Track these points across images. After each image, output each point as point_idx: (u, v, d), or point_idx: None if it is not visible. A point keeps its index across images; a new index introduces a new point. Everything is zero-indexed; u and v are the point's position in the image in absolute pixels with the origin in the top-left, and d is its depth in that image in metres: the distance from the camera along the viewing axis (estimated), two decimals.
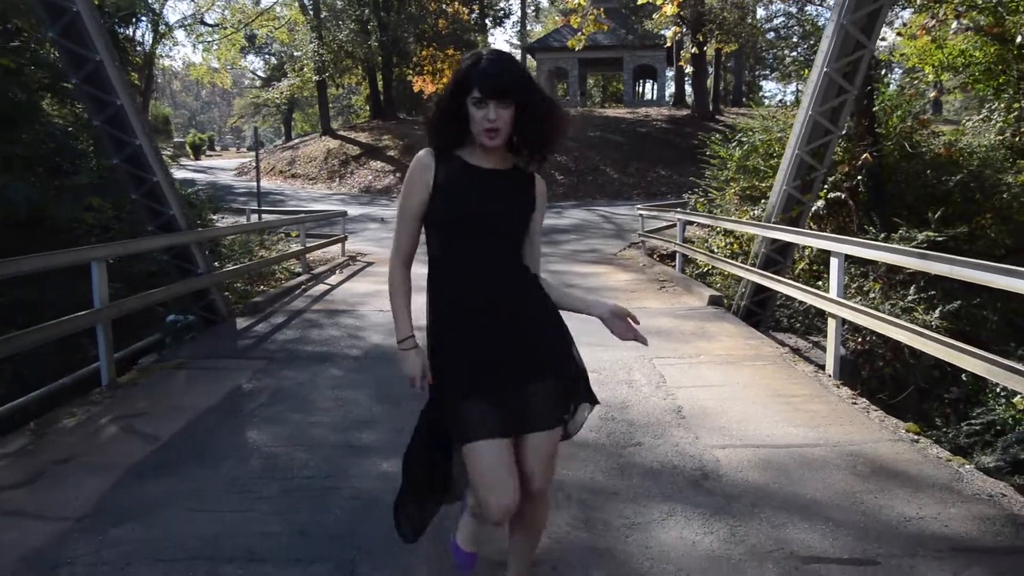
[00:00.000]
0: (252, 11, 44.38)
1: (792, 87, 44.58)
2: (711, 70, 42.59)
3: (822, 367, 6.63)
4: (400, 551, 3.25)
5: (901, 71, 22.04)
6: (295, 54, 43.08)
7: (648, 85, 54.35)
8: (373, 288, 11.05)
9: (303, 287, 11.29)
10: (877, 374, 10.84)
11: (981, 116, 17.44)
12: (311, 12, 40.25)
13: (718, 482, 4.06)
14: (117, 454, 4.65)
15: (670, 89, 46.42)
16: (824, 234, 7.55)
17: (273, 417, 5.31)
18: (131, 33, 34.76)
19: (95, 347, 7.32)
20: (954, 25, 14.99)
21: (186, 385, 6.27)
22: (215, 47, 44.64)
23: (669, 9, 15.89)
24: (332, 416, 5.28)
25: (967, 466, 4.33)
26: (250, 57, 56.49)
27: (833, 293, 6.32)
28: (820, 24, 26.25)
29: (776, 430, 4.88)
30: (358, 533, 3.52)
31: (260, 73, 58.47)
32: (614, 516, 3.67)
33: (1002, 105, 16.48)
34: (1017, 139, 15.79)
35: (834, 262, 6.20)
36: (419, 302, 2.51)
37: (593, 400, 2.61)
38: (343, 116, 53.51)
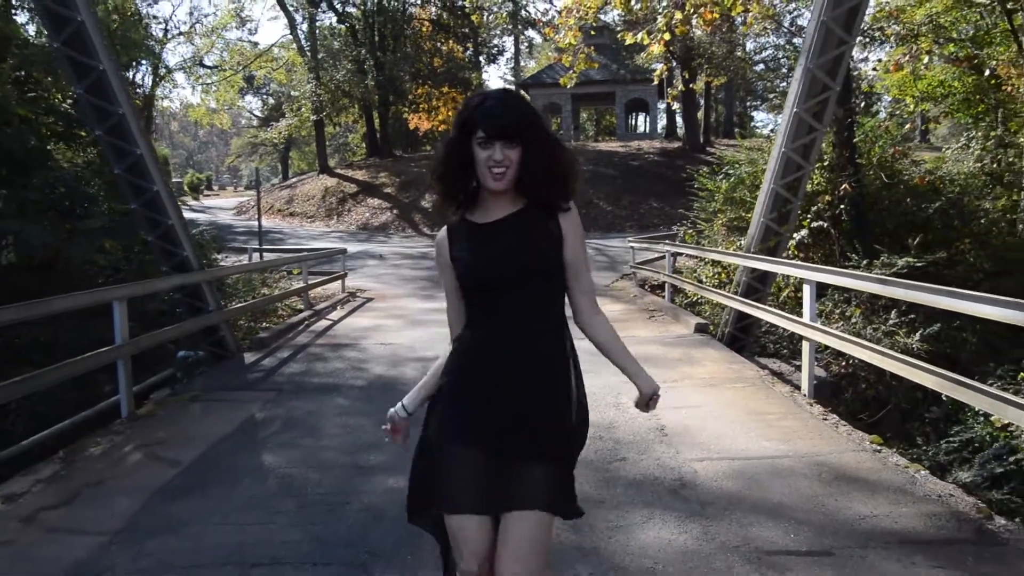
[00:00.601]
0: (251, 53, 45.19)
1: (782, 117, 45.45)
2: (702, 102, 43.45)
3: (799, 388, 7.05)
4: (408, 554, 3.66)
5: (890, 101, 22.66)
6: (292, 94, 43.95)
7: (640, 118, 55.13)
8: (374, 323, 11.49)
9: (306, 323, 11.72)
10: (860, 396, 11.24)
11: (960, 144, 18.02)
12: (308, 53, 41.09)
13: (694, 490, 4.48)
14: (143, 478, 5.06)
15: (662, 122, 47.33)
16: (796, 263, 8.02)
17: (286, 443, 5.72)
18: (131, 76, 35.67)
19: (109, 383, 7.76)
20: (925, 59, 15.54)
21: (201, 416, 6.68)
22: (214, 89, 45.52)
23: (656, 48, 16.43)
24: (341, 441, 5.70)
25: (922, 472, 4.75)
26: (248, 97, 57.54)
27: (806, 318, 6.75)
28: None
29: (750, 444, 5.30)
30: (369, 540, 3.93)
31: (257, 113, 59.45)
32: (599, 521, 4.07)
33: (980, 133, 17.03)
34: (995, 166, 16.34)
35: (806, 288, 6.65)
36: None
37: (577, 513, 2.43)
38: (339, 154, 54.25)
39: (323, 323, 11.73)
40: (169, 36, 41.01)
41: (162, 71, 40.31)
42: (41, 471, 5.24)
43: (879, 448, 5.21)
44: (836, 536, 3.82)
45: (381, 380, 7.72)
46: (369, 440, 5.68)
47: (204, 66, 44.90)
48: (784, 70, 41.18)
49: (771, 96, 46.95)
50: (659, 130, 47.03)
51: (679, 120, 42.73)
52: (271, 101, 55.22)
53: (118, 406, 6.87)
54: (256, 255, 17.29)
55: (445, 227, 2.43)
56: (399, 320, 11.76)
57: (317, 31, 42.07)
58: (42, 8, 6.84)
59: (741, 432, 5.59)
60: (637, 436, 5.54)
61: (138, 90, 36.24)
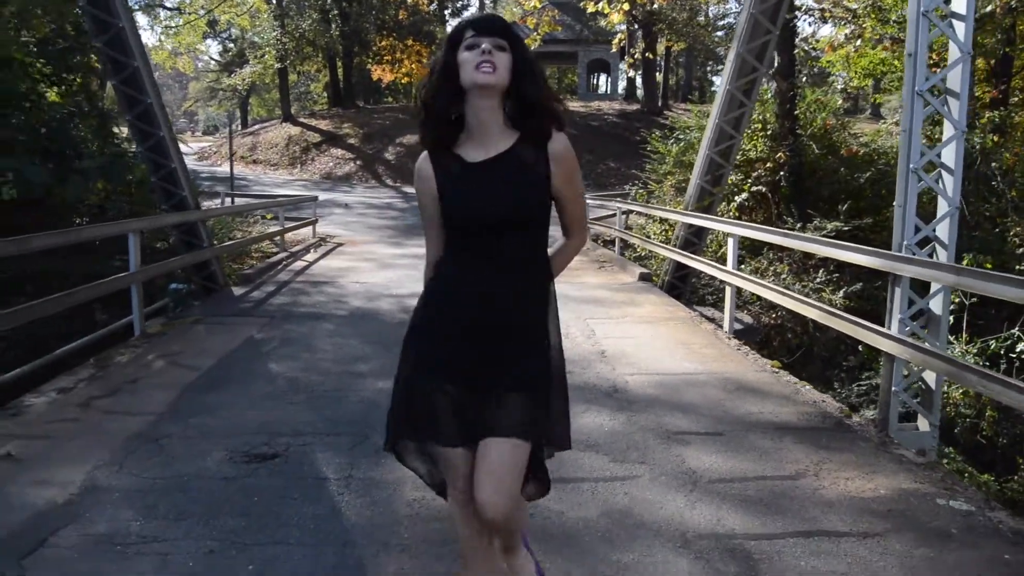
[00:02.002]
0: None
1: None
2: (662, 65, 44.43)
3: (722, 327, 8.25)
4: None
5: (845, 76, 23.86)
6: (256, 41, 43.95)
7: (603, 78, 55.92)
8: (348, 264, 12.49)
9: (284, 263, 12.66)
10: (786, 344, 12.56)
11: (895, 119, 19.30)
12: (274, 0, 41.13)
13: (624, 394, 5.63)
14: (171, 378, 6.07)
15: (623, 83, 48.22)
16: (722, 219, 9.18)
17: (286, 355, 6.76)
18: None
19: (103, 313, 8.66)
20: (868, 36, 16.62)
21: (207, 335, 7.68)
22: (175, 32, 45.21)
23: (616, 17, 17.40)
24: (333, 354, 6.75)
25: (807, 386, 5.98)
26: (208, 41, 56.99)
27: (729, 266, 7.92)
28: None
29: (673, 365, 6.48)
30: (367, 419, 5.01)
31: (217, 57, 58.96)
32: None
33: None
34: (925, 141, 17.63)
35: (730, 241, 7.80)
36: None
37: (566, 445, 2.53)
38: (299, 102, 54.24)
39: (300, 264, 12.69)
40: None
41: None
42: (80, 373, 6.22)
43: (777, 370, 6.42)
44: (728, 424, 5.00)
45: (360, 311, 8.76)
46: (357, 354, 6.74)
47: (165, 7, 44.60)
48: None
49: None
50: (620, 91, 47.96)
51: (639, 82, 43.70)
52: (231, 47, 54.84)
53: (130, 326, 7.83)
54: (228, 200, 18.09)
55: (426, 153, 2.36)
56: (371, 263, 12.76)
57: None
58: None
59: (667, 356, 6.77)
60: (582, 357, 6.67)
61: None
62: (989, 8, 13.08)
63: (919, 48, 5.07)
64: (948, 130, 5.28)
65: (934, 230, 5.24)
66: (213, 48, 59.74)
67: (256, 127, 46.90)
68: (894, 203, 5.30)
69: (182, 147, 15.19)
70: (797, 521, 3.66)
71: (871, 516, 3.72)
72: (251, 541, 3.42)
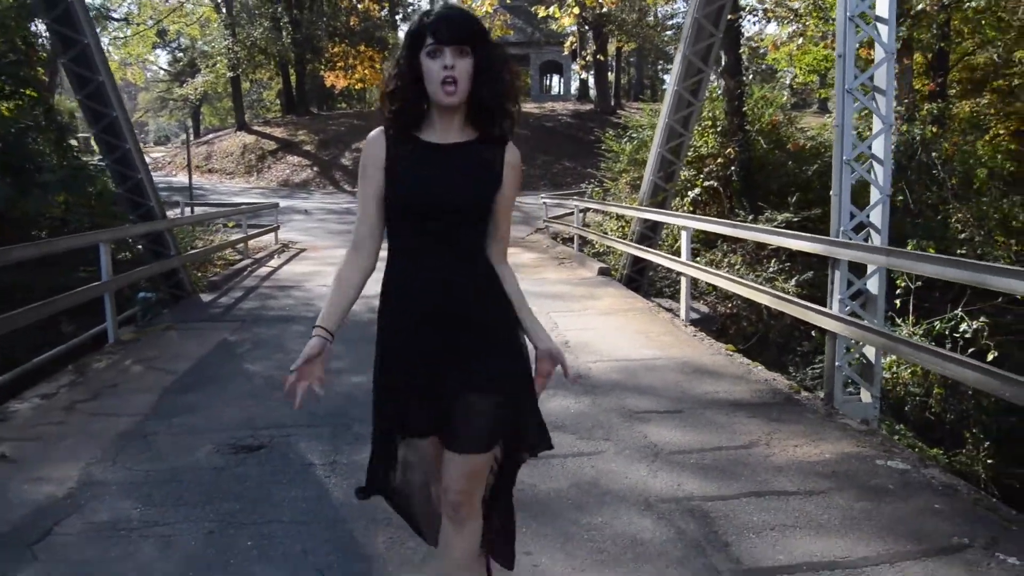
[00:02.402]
0: (164, 8, 44.58)
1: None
2: (614, 65, 45.08)
3: (679, 315, 8.62)
4: None
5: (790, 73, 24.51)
6: (205, 50, 43.74)
7: (555, 79, 56.46)
8: (312, 269, 12.68)
9: (249, 269, 12.81)
10: (741, 332, 12.98)
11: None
12: (224, 10, 40.96)
13: (588, 379, 5.95)
14: (150, 381, 6.26)
15: (576, 83, 48.69)
16: (675, 213, 9.57)
17: (260, 357, 6.98)
18: (35, 27, 34.99)
19: (70, 323, 8.78)
20: (810, 35, 17.18)
21: (180, 340, 7.86)
22: (124, 43, 44.78)
23: (566, 21, 17.78)
24: None
25: (759, 367, 6.36)
26: (157, 51, 56.44)
27: (683, 258, 8.29)
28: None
29: (633, 352, 6.82)
30: (346, 411, 5.26)
31: (166, 67, 58.42)
32: None
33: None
34: (867, 133, 18.28)
35: (683, 234, 8.18)
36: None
37: (547, 445, 2.49)
38: (252, 110, 53.96)
39: (265, 269, 12.85)
40: None
41: None
42: (60, 379, 6.38)
43: (731, 353, 6.80)
44: (686, 403, 5.35)
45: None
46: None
47: (112, 18, 44.17)
48: None
49: None
50: (573, 91, 48.47)
51: (592, 82, 44.28)
52: (181, 56, 54.38)
53: (104, 334, 7.98)
54: (188, 209, 18.15)
55: (380, 129, 2.31)
56: (334, 267, 12.67)
57: None
58: None
59: (627, 344, 7.11)
60: None
61: (41, 40, 35.66)
62: (920, 6, 13.64)
63: (847, 49, 5.47)
64: (877, 124, 5.68)
65: (868, 216, 5.64)
66: (163, 58, 59.15)
67: (210, 136, 46.57)
68: (830, 192, 5.68)
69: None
70: (750, 484, 4.00)
71: (816, 477, 4.07)
72: (247, 521, 3.67)
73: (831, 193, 5.70)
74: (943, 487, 3.96)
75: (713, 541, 3.39)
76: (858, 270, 5.73)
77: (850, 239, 5.53)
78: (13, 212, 12.05)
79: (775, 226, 13.05)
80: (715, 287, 11.39)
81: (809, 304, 5.77)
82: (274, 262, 13.83)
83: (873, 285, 5.55)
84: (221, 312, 9.27)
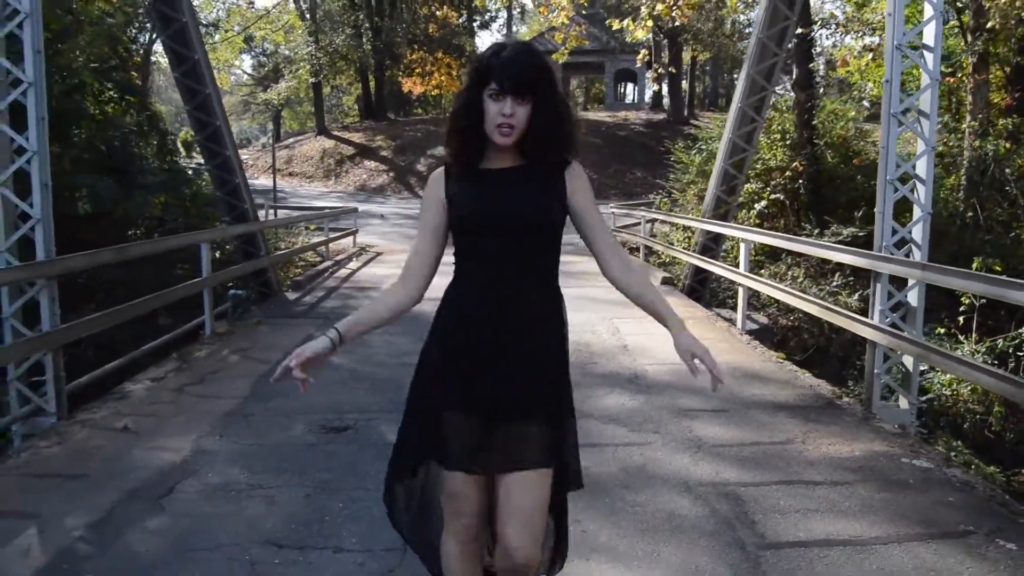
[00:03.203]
0: (251, 15, 46.29)
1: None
2: (688, 74, 45.18)
3: (736, 324, 9.02)
4: None
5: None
6: (288, 55, 45.28)
7: (629, 87, 56.64)
8: (389, 272, 13.38)
9: (329, 271, 13.59)
10: (802, 344, 13.24)
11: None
12: (308, 16, 42.40)
13: (644, 380, 6.43)
14: (246, 369, 6.96)
15: (650, 92, 48.89)
16: (734, 225, 9.94)
17: (345, 351, 7.41)
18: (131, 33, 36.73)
19: (168, 318, 9.59)
20: (870, 54, 17.24)
21: (270, 333, 8.58)
22: (213, 48, 46.62)
23: (640, 34, 18.17)
24: (387, 350, 7.61)
25: (806, 374, 6.75)
26: (242, 56, 58.45)
27: (742, 269, 8.68)
28: None
29: None
30: None
31: (250, 71, 60.39)
32: (577, 394, 5.94)
33: None
34: (942, 147, 18.25)
35: (742, 246, 8.57)
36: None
37: (578, 484, 2.49)
38: (331, 115, 55.47)
39: (344, 271, 13.62)
40: None
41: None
42: (167, 365, 7.13)
43: (781, 360, 7.20)
44: (733, 403, 5.79)
45: (407, 315, 9.60)
46: (406, 350, 7.55)
47: (203, 24, 45.97)
48: None
49: None
50: (647, 100, 48.68)
51: (666, 91, 44.45)
52: (265, 61, 56.21)
53: (201, 326, 8.74)
54: (271, 212, 19.12)
55: (442, 168, 2.41)
56: None
57: None
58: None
59: None
60: (606, 350, 7.48)
61: (133, 46, 37.40)
62: (990, 24, 13.72)
63: (894, 75, 5.84)
64: (920, 146, 6.03)
65: (910, 232, 5.99)
66: (247, 63, 61.22)
67: (291, 140, 48.09)
68: (874, 209, 6.07)
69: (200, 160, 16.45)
70: (782, 474, 4.45)
71: (844, 471, 4.50)
72: (337, 488, 4.28)
73: (875, 210, 6.08)
74: (961, 484, 4.34)
75: (742, 519, 3.86)
76: (902, 284, 6.09)
77: (892, 254, 5.90)
78: (116, 211, 13.08)
79: (839, 240, 13.25)
80: (776, 300, 11.71)
81: (850, 313, 6.18)
82: (353, 264, 14.60)
83: (913, 298, 5.90)
84: (306, 310, 10.00)
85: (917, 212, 5.99)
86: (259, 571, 3.41)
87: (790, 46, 11.72)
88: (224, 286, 10.84)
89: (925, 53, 5.93)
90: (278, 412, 5.67)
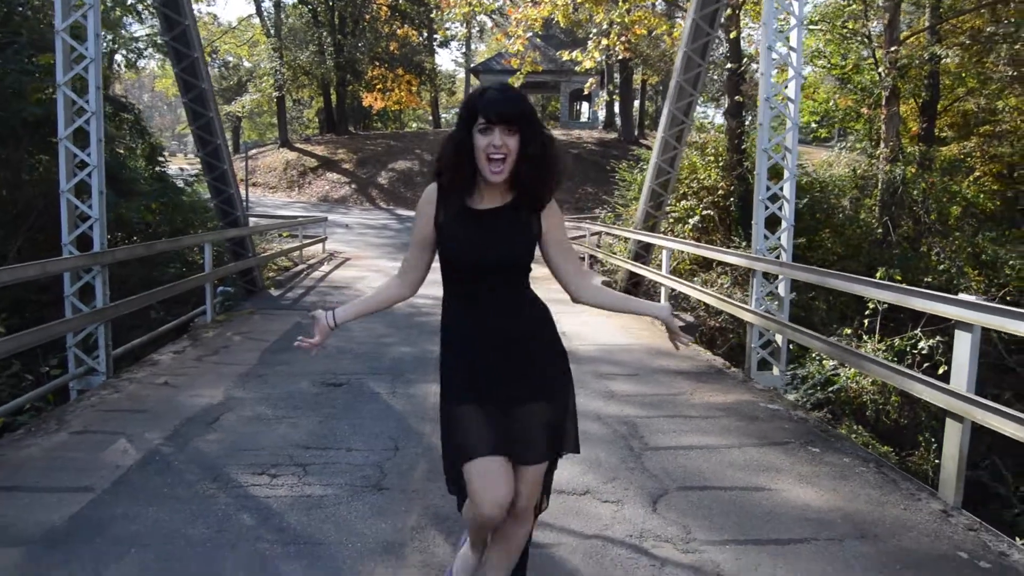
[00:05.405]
0: (217, 29, 47.38)
1: (720, 109, 49.66)
2: (639, 94, 47.25)
3: None
4: (427, 370, 7.12)
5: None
6: (250, 68, 46.37)
7: (584, 106, 58.55)
8: (359, 274, 14.90)
9: (304, 273, 15.03)
10: (727, 343, 14.94)
11: (835, 152, 21.98)
12: (273, 33, 43.63)
13: (575, 355, 7.89)
14: (250, 346, 8.42)
15: (603, 111, 50.80)
16: (656, 234, 11.61)
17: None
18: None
19: (159, 312, 10.96)
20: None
21: (262, 321, 10.04)
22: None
23: (588, 64, 19.92)
24: (366, 334, 9.11)
25: (708, 353, 8.40)
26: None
27: (664, 271, 10.33)
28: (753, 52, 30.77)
29: (614, 340, 8.91)
30: (399, 367, 7.38)
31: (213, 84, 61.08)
32: None
33: (848, 145, 20.98)
34: (854, 171, 20.23)
35: (664, 253, 10.22)
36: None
37: (575, 449, 2.82)
38: (291, 127, 56.47)
39: (318, 273, 15.08)
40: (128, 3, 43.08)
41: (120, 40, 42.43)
42: (182, 343, 8.57)
43: (689, 344, 8.84)
44: (643, 370, 7.43)
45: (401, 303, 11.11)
46: (382, 333, 9.12)
47: (161, 37, 46.80)
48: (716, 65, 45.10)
49: (705, 90, 50.80)
50: (600, 119, 50.61)
51: (617, 110, 46.36)
52: (228, 74, 57.20)
53: (203, 315, 10.16)
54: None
55: (435, 185, 2.59)
56: (378, 274, 15.16)
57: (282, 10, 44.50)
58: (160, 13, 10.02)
59: (611, 335, 9.20)
60: None
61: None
62: (902, 63, 15.69)
63: (765, 120, 7.59)
64: (786, 173, 7.78)
65: (779, 239, 7.72)
66: (211, 73, 61.89)
67: (253, 151, 49.02)
68: (752, 220, 7.78)
69: (175, 169, 17.63)
70: (669, 411, 6.08)
71: (715, 410, 6.14)
72: (342, 418, 5.79)
73: (752, 222, 7.80)
74: (798, 420, 6.01)
75: (634, 435, 5.46)
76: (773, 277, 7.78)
77: (763, 256, 7.62)
78: (109, 215, 14.36)
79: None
80: (706, 304, 13.39)
81: (735, 302, 7.86)
82: (324, 268, 16.06)
83: (782, 289, 7.60)
84: (290, 303, 11.47)
85: (783, 224, 7.72)
86: (297, 459, 4.92)
87: (722, 79, 13.33)
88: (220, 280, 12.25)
89: (789, 104, 7.70)
90: (285, 374, 7.15)
